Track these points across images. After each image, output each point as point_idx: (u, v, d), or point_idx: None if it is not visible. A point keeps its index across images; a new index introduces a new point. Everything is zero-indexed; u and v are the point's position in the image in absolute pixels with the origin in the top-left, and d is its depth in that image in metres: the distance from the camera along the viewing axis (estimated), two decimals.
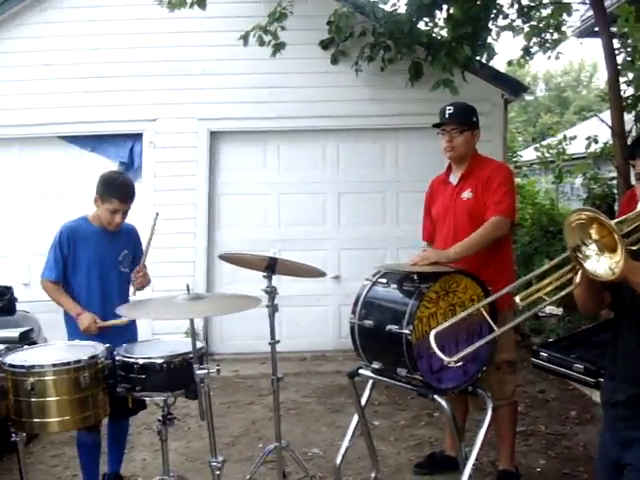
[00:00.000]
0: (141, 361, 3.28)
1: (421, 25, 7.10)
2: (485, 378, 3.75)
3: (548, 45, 7.97)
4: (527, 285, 2.75)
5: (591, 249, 2.14)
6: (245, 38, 6.67)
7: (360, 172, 7.74)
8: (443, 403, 3.47)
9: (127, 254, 4.12)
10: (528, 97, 23.76)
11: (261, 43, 6.73)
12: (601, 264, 2.12)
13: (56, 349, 3.55)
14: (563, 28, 7.97)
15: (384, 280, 3.75)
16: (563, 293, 2.51)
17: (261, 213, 7.79)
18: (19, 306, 5.18)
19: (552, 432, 5.14)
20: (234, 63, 7.38)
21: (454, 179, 4.12)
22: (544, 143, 11.82)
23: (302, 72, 7.45)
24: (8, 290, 4.99)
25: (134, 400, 3.48)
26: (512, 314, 3.88)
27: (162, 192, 7.54)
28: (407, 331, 3.38)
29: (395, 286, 3.68)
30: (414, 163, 7.49)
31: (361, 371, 3.83)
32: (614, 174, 7.64)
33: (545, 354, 3.69)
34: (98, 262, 3.98)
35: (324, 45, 7.37)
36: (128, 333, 3.98)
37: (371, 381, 4.00)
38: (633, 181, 2.64)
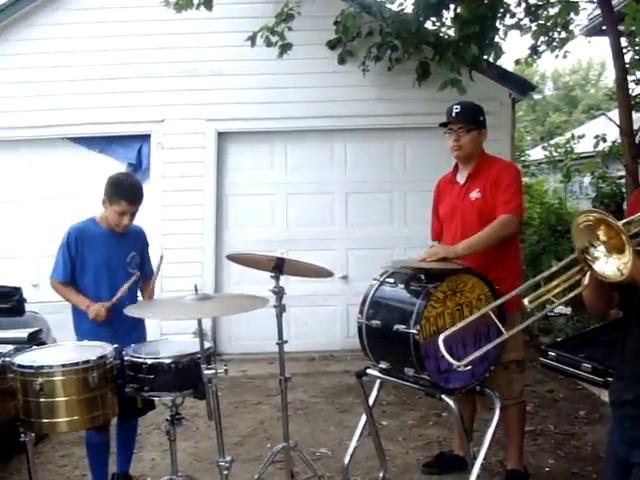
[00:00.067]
0: (149, 361, 3.29)
1: (428, 25, 7.09)
2: (493, 378, 3.75)
3: (556, 44, 7.94)
4: (535, 287, 2.75)
5: (599, 250, 2.15)
6: (252, 39, 6.68)
7: (367, 172, 7.74)
8: (451, 403, 3.46)
9: (135, 256, 4.12)
10: (536, 96, 23.65)
11: (268, 44, 6.74)
12: (609, 265, 2.12)
13: (65, 349, 3.56)
14: (571, 27, 7.94)
15: (391, 280, 3.74)
16: (572, 295, 2.51)
17: (269, 213, 7.80)
18: (28, 307, 5.18)
19: (561, 432, 5.13)
20: (241, 64, 7.40)
21: (461, 178, 4.12)
22: (552, 142, 11.82)
23: (309, 72, 7.46)
24: (17, 291, 4.99)
25: (143, 400, 3.49)
26: (520, 315, 3.87)
27: (170, 193, 7.57)
28: (414, 331, 3.38)
29: (402, 286, 3.68)
30: (421, 163, 7.48)
31: (369, 371, 3.83)
32: (622, 173, 7.61)
33: (553, 354, 3.69)
34: (106, 263, 3.99)
35: (331, 45, 7.37)
36: (137, 333, 3.99)
37: (379, 381, 4.00)
38: None
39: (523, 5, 7.44)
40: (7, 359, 3.22)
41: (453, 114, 4.02)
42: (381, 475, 4.19)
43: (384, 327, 3.58)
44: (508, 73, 8.10)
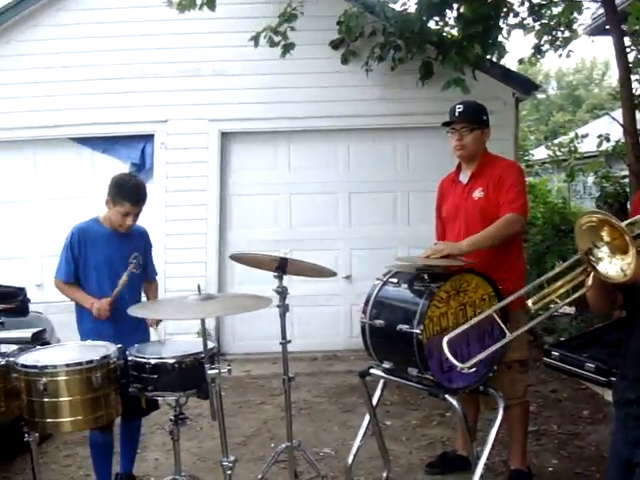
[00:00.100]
0: (153, 361, 3.29)
1: (431, 24, 7.08)
2: (496, 377, 3.75)
3: (559, 43, 7.93)
4: (539, 287, 2.75)
5: (603, 251, 2.15)
6: (256, 39, 6.68)
7: (371, 172, 7.74)
8: (454, 403, 3.47)
9: (138, 256, 4.12)
10: (540, 95, 23.65)
11: (271, 44, 6.74)
12: (613, 266, 2.13)
13: (68, 349, 3.56)
14: (574, 26, 7.94)
15: (395, 280, 3.75)
16: (575, 296, 2.53)
17: (272, 213, 7.81)
18: (32, 307, 5.19)
19: (564, 432, 5.12)
20: (245, 64, 7.40)
21: (464, 178, 4.11)
22: (556, 142, 11.80)
23: (312, 72, 7.46)
24: (21, 291, 5.00)
25: (147, 400, 3.50)
26: (524, 314, 3.87)
27: (173, 193, 7.58)
28: (418, 331, 3.38)
29: (406, 286, 3.68)
30: (425, 162, 7.48)
31: (372, 371, 3.83)
32: (626, 172, 7.60)
33: (557, 353, 3.68)
34: (109, 263, 3.99)
35: (334, 45, 7.36)
36: (140, 333, 4.00)
37: (382, 381, 4.00)
38: None
39: (526, 4, 7.44)
40: (11, 359, 3.23)
41: (456, 113, 4.02)
42: (384, 475, 4.19)
43: (387, 327, 3.58)
44: (511, 72, 8.10)
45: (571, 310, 7.67)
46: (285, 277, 3.87)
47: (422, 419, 5.52)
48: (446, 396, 3.45)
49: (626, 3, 6.96)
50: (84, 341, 3.81)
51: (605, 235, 2.13)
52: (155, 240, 4.48)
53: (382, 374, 3.80)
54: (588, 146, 10.28)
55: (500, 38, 6.91)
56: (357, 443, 4.04)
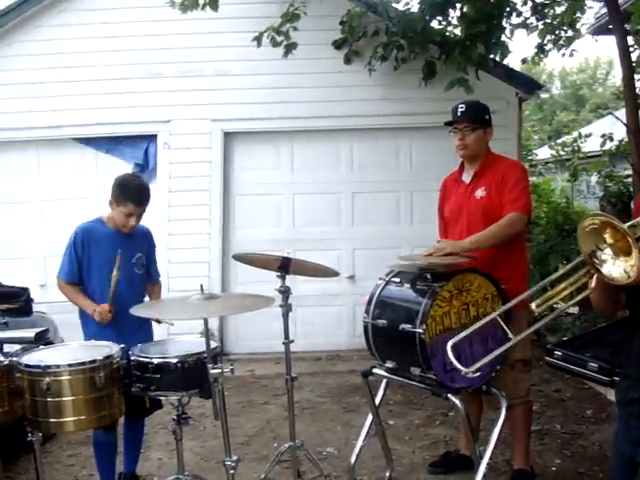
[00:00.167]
0: (156, 361, 3.30)
1: (434, 24, 7.10)
2: (499, 377, 3.75)
3: (562, 43, 7.92)
4: (542, 289, 2.76)
5: (606, 253, 2.16)
6: (258, 39, 6.68)
7: (374, 172, 7.74)
8: (457, 402, 3.47)
9: (141, 256, 4.14)
10: (543, 95, 23.62)
11: (274, 44, 6.74)
12: (616, 267, 2.13)
13: (72, 349, 3.57)
14: (577, 25, 7.92)
15: (397, 279, 3.75)
16: (579, 298, 2.53)
17: (275, 213, 7.81)
18: (36, 307, 5.21)
19: (567, 431, 5.11)
20: (247, 64, 7.41)
21: (467, 177, 4.11)
22: (559, 141, 11.79)
23: (315, 72, 7.46)
24: (25, 291, 5.01)
25: (150, 400, 3.51)
26: (527, 315, 3.87)
27: (177, 193, 7.59)
28: (420, 330, 3.38)
29: (408, 285, 3.68)
30: (428, 162, 7.48)
31: (375, 370, 3.83)
32: (630, 172, 7.59)
33: (559, 353, 3.68)
34: (112, 263, 3.98)
35: (337, 45, 7.37)
36: (143, 333, 4.01)
37: (385, 380, 4.01)
38: None
39: (529, 4, 7.43)
40: (14, 359, 3.24)
41: (458, 113, 4.01)
42: (387, 474, 4.19)
43: (390, 326, 3.58)
44: (515, 72, 8.09)
45: (574, 310, 7.66)
46: (288, 277, 3.88)
47: (425, 419, 5.52)
48: (449, 396, 3.45)
49: (629, 2, 6.95)
50: (87, 341, 3.82)
51: (608, 237, 2.14)
52: (158, 240, 4.49)
53: (385, 374, 3.80)
54: (591, 146, 10.27)
55: (503, 38, 6.92)
56: (360, 443, 4.04)
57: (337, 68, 7.42)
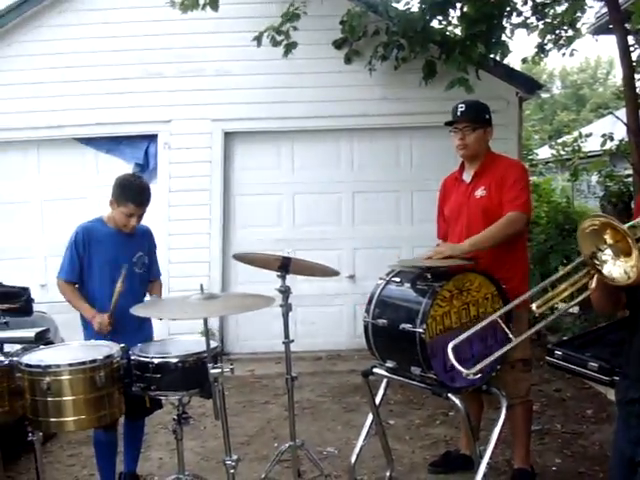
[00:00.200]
0: (156, 360, 3.30)
1: (434, 23, 7.10)
2: (500, 376, 3.75)
3: (563, 42, 7.92)
4: (542, 290, 2.76)
5: (607, 254, 2.16)
6: (258, 39, 6.68)
7: (374, 171, 7.74)
8: (457, 402, 3.47)
9: (141, 256, 4.14)
10: (544, 95, 23.59)
11: (274, 44, 6.74)
12: (617, 268, 2.14)
13: (72, 349, 3.57)
14: (578, 25, 7.91)
15: (398, 279, 3.75)
16: (580, 299, 2.54)
17: (275, 213, 7.81)
18: (36, 307, 5.21)
19: (568, 431, 5.12)
20: (248, 64, 7.41)
21: (467, 177, 4.11)
22: (559, 141, 11.79)
23: (316, 72, 7.46)
24: (25, 291, 5.01)
25: (150, 400, 3.51)
26: (527, 314, 3.87)
27: (177, 193, 7.60)
28: (421, 330, 3.39)
29: (409, 285, 3.69)
30: (428, 162, 7.48)
31: (375, 370, 3.83)
32: (630, 171, 7.59)
33: (560, 352, 3.67)
34: (112, 263, 3.99)
35: (337, 45, 7.37)
36: (143, 333, 4.01)
37: (385, 380, 4.01)
38: None
39: (530, 3, 7.43)
40: (15, 359, 3.24)
41: (458, 113, 4.01)
42: (388, 474, 4.19)
43: (390, 326, 3.59)
44: (515, 72, 8.10)
45: (575, 309, 7.66)
46: (288, 277, 3.88)
47: (425, 418, 5.52)
48: (449, 395, 3.45)
49: (629, 2, 6.94)
50: (87, 341, 3.82)
51: (608, 238, 2.14)
52: (158, 240, 4.49)
53: (385, 373, 3.81)
54: (592, 145, 10.26)
55: (503, 37, 6.92)
56: (360, 442, 4.04)
57: (337, 68, 7.42)
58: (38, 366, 3.15)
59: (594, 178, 10.77)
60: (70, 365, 3.16)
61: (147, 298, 4.20)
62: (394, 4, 7.25)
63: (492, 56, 6.98)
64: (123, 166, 7.40)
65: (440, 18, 7.08)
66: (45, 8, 7.44)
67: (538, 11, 7.54)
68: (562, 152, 10.70)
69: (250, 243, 7.41)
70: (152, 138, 7.68)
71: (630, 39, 6.64)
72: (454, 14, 7.04)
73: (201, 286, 3.28)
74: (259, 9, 7.22)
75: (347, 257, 7.76)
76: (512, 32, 7.43)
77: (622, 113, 6.87)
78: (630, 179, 8.12)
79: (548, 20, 7.68)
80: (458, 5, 6.88)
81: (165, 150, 7.64)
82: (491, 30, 6.68)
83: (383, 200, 7.75)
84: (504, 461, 4.48)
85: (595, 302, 2.46)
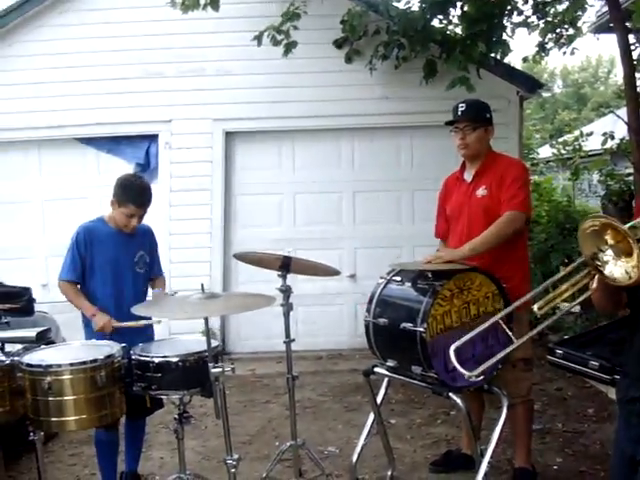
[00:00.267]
0: (157, 360, 3.31)
1: (435, 23, 7.09)
2: (501, 376, 3.75)
3: (563, 41, 7.91)
4: (544, 291, 2.77)
5: (608, 254, 2.16)
6: (259, 38, 6.67)
7: (375, 171, 7.74)
8: (458, 401, 3.47)
9: (143, 255, 4.14)
10: (545, 94, 23.60)
11: (275, 43, 6.74)
12: (618, 268, 2.14)
13: (73, 349, 3.58)
14: (578, 24, 7.91)
15: (398, 278, 3.75)
16: (581, 299, 2.54)
17: (276, 212, 7.81)
18: (37, 307, 5.22)
19: (569, 430, 5.11)
20: (249, 63, 7.41)
21: (468, 176, 4.11)
22: (560, 140, 11.79)
23: (316, 71, 7.46)
24: (27, 291, 5.02)
25: (151, 399, 3.51)
26: (527, 315, 3.87)
27: (178, 193, 7.60)
28: (421, 329, 3.39)
29: (409, 284, 3.69)
30: (429, 161, 7.47)
31: (376, 369, 3.83)
32: (631, 170, 7.59)
33: (561, 351, 3.68)
34: (114, 263, 4.00)
35: (338, 44, 7.37)
36: (145, 333, 4.01)
37: (386, 379, 4.01)
38: None
39: (530, 2, 7.42)
40: (16, 358, 3.25)
41: (459, 112, 4.01)
42: (389, 473, 4.19)
43: (391, 325, 3.59)
44: (516, 71, 8.10)
45: (576, 308, 7.65)
46: (289, 276, 3.87)
47: (427, 418, 5.52)
48: (450, 394, 3.45)
49: (630, 1, 6.93)
50: (88, 340, 3.83)
51: (609, 238, 2.14)
52: (159, 240, 4.48)
53: (386, 372, 3.81)
54: (593, 144, 10.27)
55: (504, 36, 6.91)
56: (361, 442, 4.04)
57: (338, 67, 7.42)
58: (39, 366, 3.16)
59: (595, 177, 10.78)
60: (71, 365, 3.17)
61: (150, 292, 4.19)
62: (395, 3, 7.26)
63: (493, 55, 6.97)
64: (124, 166, 7.41)
65: (441, 17, 7.08)
66: (46, 8, 7.44)
67: (539, 10, 7.54)
68: (563, 151, 10.71)
69: (251, 242, 7.39)
70: (153, 138, 7.68)
71: (631, 38, 6.64)
72: (455, 13, 7.06)
73: (202, 286, 3.28)
74: (259, 8, 7.22)
75: (348, 256, 7.76)
76: (513, 31, 7.44)
77: (623, 112, 6.87)
78: (631, 178, 8.12)
79: (549, 19, 7.67)
80: (458, 4, 6.88)
81: (166, 150, 7.65)
82: (492, 29, 6.68)
83: (384, 199, 7.75)
84: (505, 460, 4.48)
85: (596, 302, 2.46)
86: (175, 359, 3.31)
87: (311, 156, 7.78)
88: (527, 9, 7.46)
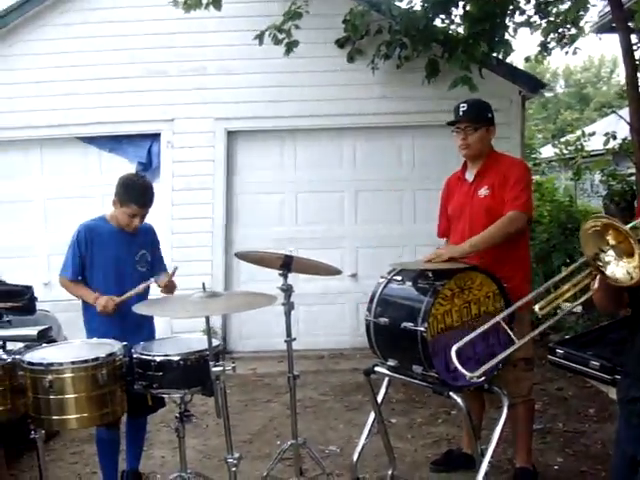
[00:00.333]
0: (158, 358, 3.31)
1: (437, 22, 7.10)
2: (501, 375, 3.74)
3: (566, 41, 7.91)
4: (545, 291, 2.77)
5: (609, 255, 2.16)
6: (260, 37, 6.67)
7: (377, 170, 7.74)
8: (459, 400, 3.47)
9: (144, 254, 4.14)
10: (548, 94, 23.61)
11: (276, 42, 6.73)
12: (620, 269, 2.14)
13: (74, 347, 3.59)
14: (581, 23, 7.90)
15: (399, 278, 3.75)
16: (582, 299, 2.54)
17: (278, 211, 7.81)
18: (39, 305, 5.22)
19: (570, 430, 5.11)
20: (250, 62, 7.41)
21: (470, 176, 4.11)
22: (562, 140, 11.79)
23: (318, 71, 7.46)
24: (28, 290, 5.03)
25: (153, 398, 3.52)
26: (529, 315, 3.87)
27: (180, 192, 7.61)
28: (422, 328, 3.39)
29: (410, 283, 3.69)
30: (431, 161, 7.47)
31: (377, 369, 3.83)
32: (633, 170, 7.59)
33: (561, 351, 3.69)
34: (115, 261, 4.00)
35: (340, 43, 7.38)
36: (146, 331, 4.02)
37: (387, 379, 4.01)
38: None
39: (533, 2, 7.42)
40: (17, 356, 3.25)
41: (460, 112, 4.00)
42: (390, 472, 4.19)
43: (392, 325, 3.59)
44: (518, 70, 8.09)
45: (577, 308, 7.64)
46: (291, 275, 3.87)
47: (427, 417, 5.52)
48: (451, 394, 3.45)
49: (632, 1, 6.93)
50: (90, 339, 3.83)
51: (611, 239, 2.15)
52: (161, 238, 4.48)
53: (387, 372, 3.80)
54: (595, 144, 10.27)
55: (506, 36, 6.91)
56: (362, 441, 4.04)
57: (340, 66, 7.43)
58: (40, 364, 3.16)
59: (597, 177, 10.77)
60: (72, 363, 3.17)
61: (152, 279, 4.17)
62: (397, 3, 7.26)
63: (495, 55, 6.97)
64: (126, 165, 7.42)
65: (443, 17, 7.09)
66: (47, 8, 7.45)
67: (541, 10, 7.54)
68: (565, 151, 10.71)
69: (252, 241, 7.40)
70: (155, 137, 7.68)
71: (633, 38, 6.63)
72: (457, 13, 7.05)
73: (203, 284, 3.29)
74: (261, 8, 7.22)
75: (349, 256, 7.76)
76: (515, 31, 7.44)
77: (625, 112, 6.87)
78: (633, 178, 8.12)
79: (551, 19, 7.67)
80: (461, 4, 6.87)
81: (168, 149, 7.65)
82: (494, 29, 6.67)
83: (385, 199, 7.75)
84: (506, 460, 4.48)
85: (598, 302, 2.46)
86: (176, 358, 3.31)
87: (313, 155, 7.78)
88: (529, 9, 7.48)
